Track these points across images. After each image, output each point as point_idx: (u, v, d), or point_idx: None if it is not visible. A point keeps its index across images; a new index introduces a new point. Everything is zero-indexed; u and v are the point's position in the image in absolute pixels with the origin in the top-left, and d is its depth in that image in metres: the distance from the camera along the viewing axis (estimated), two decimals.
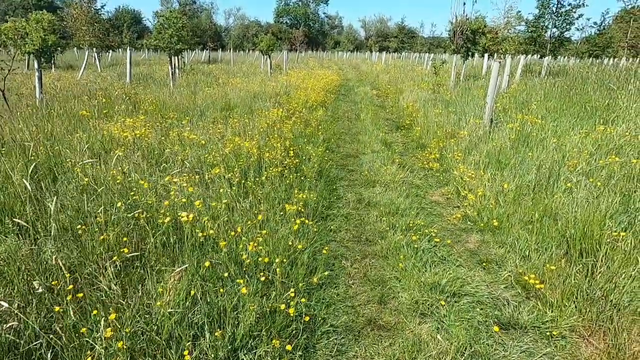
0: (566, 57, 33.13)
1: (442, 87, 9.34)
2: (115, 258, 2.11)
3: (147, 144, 4.16)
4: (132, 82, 11.66)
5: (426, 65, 22.38)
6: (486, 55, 16.59)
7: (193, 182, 3.26)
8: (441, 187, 4.23)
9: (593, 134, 4.73)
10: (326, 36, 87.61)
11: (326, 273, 2.39)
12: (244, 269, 2.27)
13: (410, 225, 3.14)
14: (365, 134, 6.31)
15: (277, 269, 2.18)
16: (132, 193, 2.83)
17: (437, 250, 2.83)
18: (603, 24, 30.17)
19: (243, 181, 3.38)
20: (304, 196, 3.24)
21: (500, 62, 5.42)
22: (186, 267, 2.11)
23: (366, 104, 9.53)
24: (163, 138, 4.31)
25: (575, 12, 13.99)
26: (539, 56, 14.90)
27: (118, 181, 3.01)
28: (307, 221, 2.89)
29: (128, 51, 11.52)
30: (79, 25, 13.72)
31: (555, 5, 14.18)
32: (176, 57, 14.99)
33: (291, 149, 4.31)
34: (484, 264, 2.71)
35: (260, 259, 2.28)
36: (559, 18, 14.19)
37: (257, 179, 3.51)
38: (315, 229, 2.92)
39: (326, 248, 2.70)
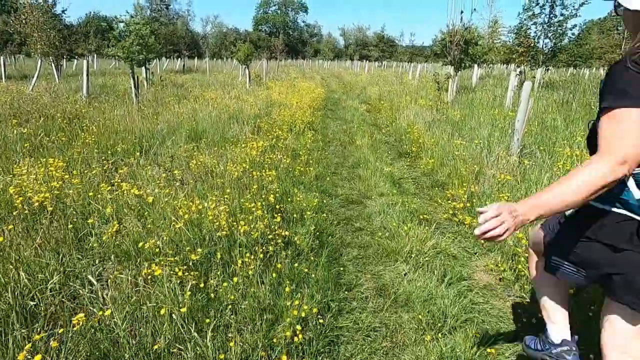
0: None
1: (443, 103, 8.37)
2: None
3: (64, 207, 2.84)
4: (90, 96, 10.19)
5: (411, 75, 21.66)
6: (476, 66, 15.93)
7: (119, 283, 1.99)
8: (484, 253, 3.10)
9: None
10: (306, 44, 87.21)
11: None
12: None
13: (474, 356, 1.96)
14: (366, 167, 5.14)
15: None
16: None
17: None
18: (580, 34, 30.58)
19: (202, 282, 2.12)
20: (303, 309, 2.01)
21: (519, 76, 4.40)
22: None
23: (359, 122, 8.42)
24: (92, 194, 2.99)
25: (567, 23, 13.49)
26: (529, 67, 14.32)
27: None
28: None
29: (85, 61, 10.01)
30: (29, 32, 12.06)
31: (548, 16, 13.63)
32: (143, 68, 13.56)
33: (278, 206, 3.08)
34: None
35: None
36: (551, 28, 13.66)
37: (226, 273, 2.26)
38: None
39: None
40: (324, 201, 3.90)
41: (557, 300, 1.53)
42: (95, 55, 31.69)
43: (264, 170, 3.60)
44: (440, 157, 5.10)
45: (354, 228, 3.47)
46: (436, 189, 4.47)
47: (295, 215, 3.16)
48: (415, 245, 2.99)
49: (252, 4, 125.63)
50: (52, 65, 15.58)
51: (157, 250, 2.20)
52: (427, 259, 2.89)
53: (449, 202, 3.96)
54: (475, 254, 3.11)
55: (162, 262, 2.08)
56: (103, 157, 4.35)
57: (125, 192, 2.89)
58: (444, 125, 6.53)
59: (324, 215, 3.38)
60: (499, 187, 3.78)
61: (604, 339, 1.26)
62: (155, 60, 25.76)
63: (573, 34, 14.38)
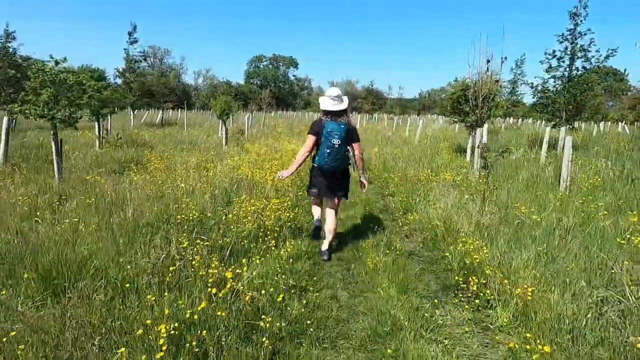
0: (520, 119, 32.00)
1: (473, 177, 6.02)
2: None
3: None
4: (8, 163, 7.68)
5: (408, 131, 19.86)
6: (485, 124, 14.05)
7: None
8: None
9: None
10: (296, 97, 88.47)
11: None
12: None
13: None
14: (397, 339, 2.53)
15: None
16: None
17: None
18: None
19: None
20: None
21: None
22: None
23: (362, 206, 5.94)
24: None
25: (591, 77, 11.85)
26: (551, 125, 12.47)
27: None
28: None
29: (5, 118, 7.55)
30: None
31: (568, 69, 12.02)
32: (97, 123, 11.28)
33: None
34: None
35: None
36: (570, 82, 11.96)
37: None
38: None
39: None
40: None
41: (325, 233, 3.99)
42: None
43: None
44: (541, 318, 2.53)
45: None
46: None
47: None
48: None
49: (244, 59, 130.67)
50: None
51: None
52: None
53: None
54: None
55: None
56: None
57: None
58: (504, 227, 4.04)
59: None
60: None
61: (326, 210, 4.04)
62: (130, 112, 23.63)
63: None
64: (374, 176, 8.32)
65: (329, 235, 3.93)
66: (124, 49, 19.94)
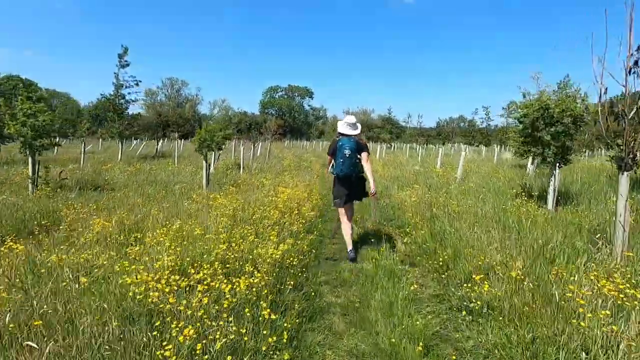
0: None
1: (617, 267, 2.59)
2: None
3: None
4: None
5: (440, 163, 16.36)
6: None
7: None
8: None
9: None
10: (311, 126, 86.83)
11: None
12: None
13: None
14: None
15: None
16: None
17: None
18: None
19: None
20: None
21: None
22: None
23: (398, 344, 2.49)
24: None
25: None
26: None
27: None
28: None
29: None
30: None
31: None
32: (31, 158, 8.45)
33: None
34: None
35: None
36: None
37: None
38: None
39: None
40: None
41: (348, 236, 4.92)
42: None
43: None
44: None
45: None
46: None
47: None
48: None
49: (260, 89, 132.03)
50: None
51: None
52: None
53: None
54: None
55: None
56: None
57: None
58: None
59: None
60: None
61: (347, 216, 5.04)
62: (120, 142, 21.02)
63: None
64: (421, 253, 4.84)
65: (349, 239, 4.92)
66: (114, 73, 17.72)
